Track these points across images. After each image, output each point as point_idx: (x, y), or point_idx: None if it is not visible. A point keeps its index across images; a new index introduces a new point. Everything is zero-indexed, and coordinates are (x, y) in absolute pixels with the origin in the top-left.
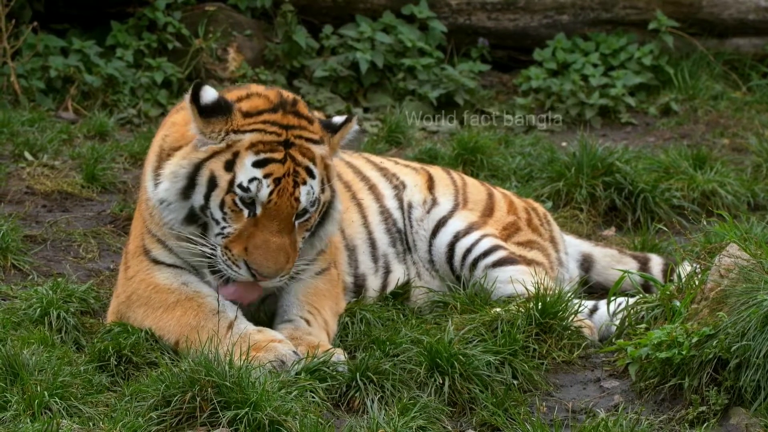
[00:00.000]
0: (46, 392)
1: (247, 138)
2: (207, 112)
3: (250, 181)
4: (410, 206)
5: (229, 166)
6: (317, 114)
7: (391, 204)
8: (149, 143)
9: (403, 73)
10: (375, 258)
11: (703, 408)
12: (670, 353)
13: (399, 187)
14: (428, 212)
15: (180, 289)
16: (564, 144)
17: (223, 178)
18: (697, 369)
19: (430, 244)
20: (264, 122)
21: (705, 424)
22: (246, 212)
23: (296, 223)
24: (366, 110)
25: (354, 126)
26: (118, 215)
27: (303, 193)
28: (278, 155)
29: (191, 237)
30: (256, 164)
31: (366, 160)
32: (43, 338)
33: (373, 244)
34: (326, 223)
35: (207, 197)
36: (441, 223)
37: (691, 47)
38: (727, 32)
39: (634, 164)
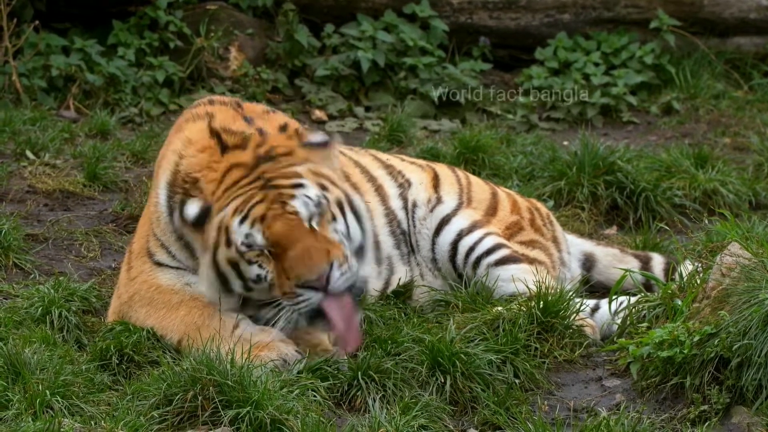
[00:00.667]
0: (47, 391)
1: (229, 209)
2: (197, 224)
3: (246, 237)
4: (414, 205)
5: (228, 241)
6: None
7: (396, 204)
8: (151, 142)
9: (404, 72)
10: (379, 260)
11: (705, 407)
12: (672, 352)
13: (404, 186)
14: (432, 211)
15: (184, 289)
16: (565, 143)
17: (233, 254)
18: (699, 368)
19: (433, 243)
20: (239, 188)
21: (707, 423)
22: (266, 252)
23: (313, 224)
24: (367, 109)
25: (332, 148)
26: (119, 214)
27: (299, 204)
28: (258, 197)
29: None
30: (241, 221)
31: (373, 157)
32: (45, 337)
33: (377, 246)
34: (362, 220)
35: (242, 278)
36: (444, 221)
37: (692, 46)
38: (728, 31)
39: (636, 163)
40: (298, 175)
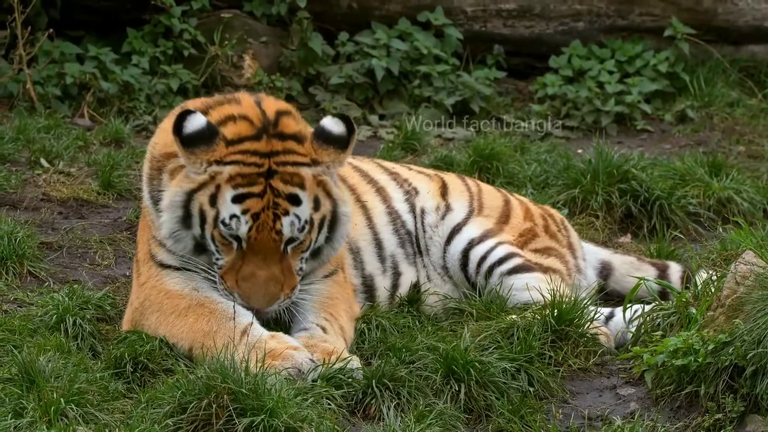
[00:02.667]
0: (62, 399)
1: (227, 171)
2: (190, 143)
3: (231, 217)
4: (423, 212)
5: (213, 200)
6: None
7: (401, 207)
8: None
9: (418, 80)
10: (382, 258)
11: (719, 415)
12: (686, 360)
13: (411, 193)
14: (442, 218)
15: (191, 294)
16: (580, 151)
17: (209, 214)
18: (713, 376)
19: (445, 251)
20: (244, 152)
21: None
22: (234, 245)
23: (288, 249)
24: (382, 117)
25: (356, 135)
26: (133, 222)
27: (286, 224)
28: (257, 189)
29: (198, 268)
30: (235, 199)
31: (377, 165)
32: (60, 345)
33: (379, 244)
34: (336, 229)
35: (202, 228)
36: (455, 230)
37: (706, 54)
38: (742, 39)
39: (650, 171)
40: (301, 185)
